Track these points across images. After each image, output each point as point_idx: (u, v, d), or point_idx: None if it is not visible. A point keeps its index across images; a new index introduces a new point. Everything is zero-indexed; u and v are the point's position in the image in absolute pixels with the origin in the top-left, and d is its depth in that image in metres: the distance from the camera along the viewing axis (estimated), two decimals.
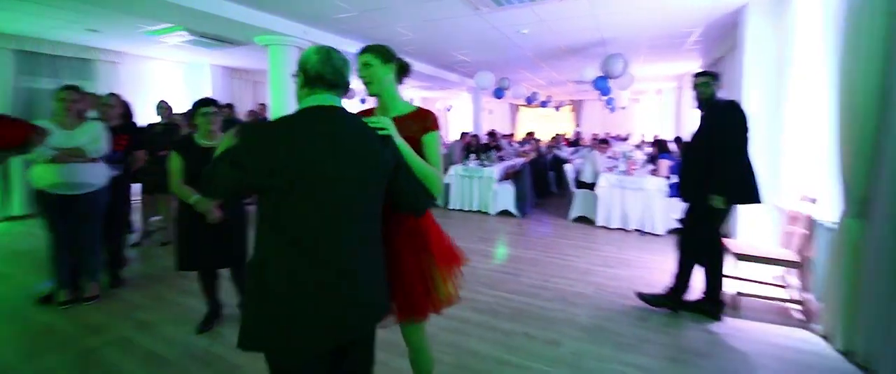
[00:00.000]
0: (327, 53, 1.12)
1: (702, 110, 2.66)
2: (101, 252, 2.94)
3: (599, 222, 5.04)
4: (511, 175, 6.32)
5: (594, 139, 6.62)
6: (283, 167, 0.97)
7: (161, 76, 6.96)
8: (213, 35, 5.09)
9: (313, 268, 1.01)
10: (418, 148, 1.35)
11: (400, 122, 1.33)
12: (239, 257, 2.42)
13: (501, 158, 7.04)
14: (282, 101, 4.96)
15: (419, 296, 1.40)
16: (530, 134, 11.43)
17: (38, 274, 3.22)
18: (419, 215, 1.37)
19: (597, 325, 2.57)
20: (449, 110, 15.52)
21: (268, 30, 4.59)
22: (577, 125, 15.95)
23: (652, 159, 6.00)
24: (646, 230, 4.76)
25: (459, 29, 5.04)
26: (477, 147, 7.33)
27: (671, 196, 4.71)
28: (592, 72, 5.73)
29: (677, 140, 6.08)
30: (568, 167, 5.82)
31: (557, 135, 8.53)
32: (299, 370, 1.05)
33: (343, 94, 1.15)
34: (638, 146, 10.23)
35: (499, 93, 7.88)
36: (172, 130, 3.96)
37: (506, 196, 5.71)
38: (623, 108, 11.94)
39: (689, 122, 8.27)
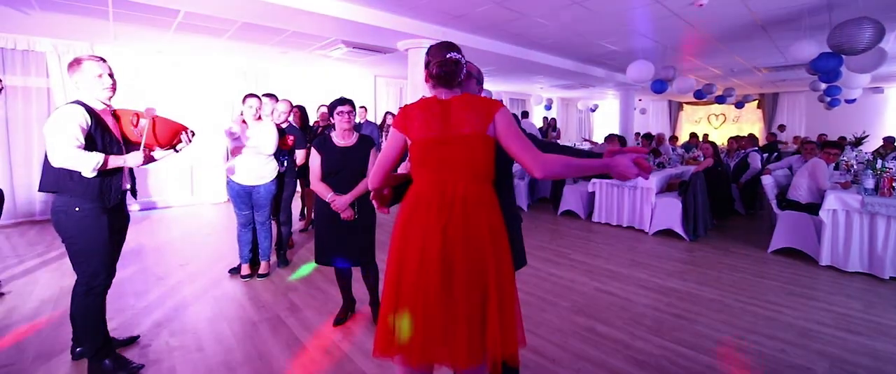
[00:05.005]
0: None
1: None
2: (270, 236, 3.35)
3: (824, 260, 3.54)
4: (676, 186, 5.11)
5: (807, 142, 4.82)
6: None
7: (335, 86, 7.95)
8: (364, 45, 5.52)
9: None
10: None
11: None
12: (366, 258, 2.43)
13: (661, 166, 5.81)
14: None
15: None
16: (697, 136, 9.34)
17: (234, 249, 3.86)
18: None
19: None
20: (593, 111, 14.10)
21: (407, 34, 4.70)
22: (768, 125, 12.49)
23: None
24: None
25: (610, 9, 4.23)
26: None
27: None
28: (811, 49, 4.12)
29: None
30: (766, 180, 4.34)
31: (739, 138, 6.56)
32: None
33: None
34: (880, 153, 7.24)
35: (660, 86, 6.53)
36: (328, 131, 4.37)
37: (669, 212, 4.60)
38: (851, 101, 8.63)
39: None
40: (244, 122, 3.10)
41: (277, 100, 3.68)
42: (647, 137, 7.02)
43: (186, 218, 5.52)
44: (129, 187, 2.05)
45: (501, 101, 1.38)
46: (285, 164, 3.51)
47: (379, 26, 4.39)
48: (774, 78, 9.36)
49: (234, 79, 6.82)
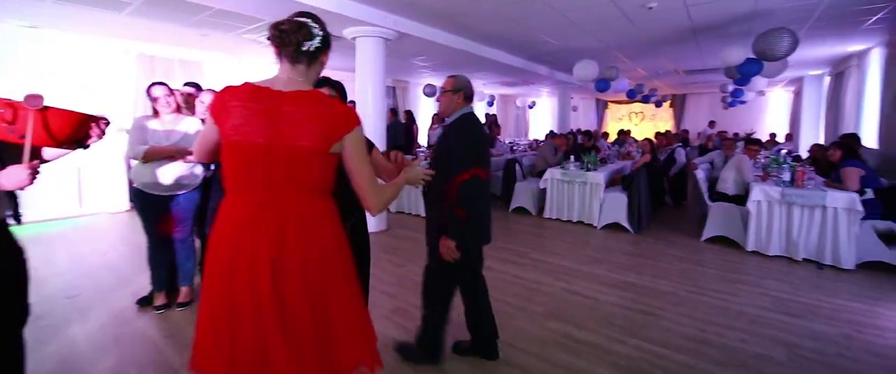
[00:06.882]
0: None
1: None
2: (194, 255, 2.79)
3: (750, 246, 3.90)
4: (618, 181, 5.37)
5: (727, 138, 5.36)
6: None
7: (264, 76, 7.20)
8: None
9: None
10: None
11: None
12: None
13: (604, 161, 6.08)
14: (368, 96, 4.63)
15: None
16: (625, 132, 10.06)
17: (143, 273, 3.19)
18: None
19: None
20: (531, 107, 14.58)
21: (355, 20, 4.27)
22: (677, 123, 13.94)
23: (822, 167, 4.62)
24: (825, 262, 3.55)
25: (565, 6, 4.24)
26: (574, 148, 6.44)
27: (868, 217, 3.46)
28: (739, 54, 4.52)
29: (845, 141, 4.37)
30: (699, 174, 4.71)
31: (667, 134, 7.23)
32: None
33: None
34: (765, 146, 8.36)
35: (603, 85, 6.84)
36: None
37: (616, 206, 4.79)
38: (743, 102, 9.91)
39: (856, 117, 6.42)
40: (157, 114, 2.53)
41: (201, 90, 3.09)
42: (588, 134, 7.35)
43: (74, 235, 4.48)
44: (9, 213, 1.43)
45: (357, 115, 1.20)
46: (213, 167, 2.95)
47: (322, 9, 3.91)
48: (688, 80, 10.38)
49: (138, 65, 5.76)
